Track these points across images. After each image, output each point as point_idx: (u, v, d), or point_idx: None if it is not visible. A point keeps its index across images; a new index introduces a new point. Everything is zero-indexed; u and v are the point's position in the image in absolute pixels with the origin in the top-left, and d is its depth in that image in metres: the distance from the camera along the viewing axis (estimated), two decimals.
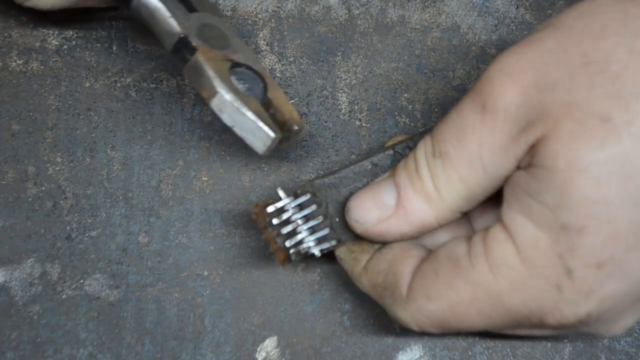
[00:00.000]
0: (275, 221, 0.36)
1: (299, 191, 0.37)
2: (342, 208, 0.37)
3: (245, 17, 0.46)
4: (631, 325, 0.34)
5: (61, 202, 0.44)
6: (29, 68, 0.45)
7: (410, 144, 0.37)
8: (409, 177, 0.34)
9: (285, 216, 0.36)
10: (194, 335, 0.42)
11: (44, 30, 0.46)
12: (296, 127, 0.38)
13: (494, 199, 0.35)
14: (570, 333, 0.34)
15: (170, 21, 0.37)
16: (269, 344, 0.42)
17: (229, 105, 0.36)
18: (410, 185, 0.34)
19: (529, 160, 0.31)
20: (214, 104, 0.36)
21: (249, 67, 0.38)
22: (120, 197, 0.44)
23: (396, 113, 0.45)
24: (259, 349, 0.42)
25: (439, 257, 0.34)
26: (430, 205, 0.34)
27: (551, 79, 0.31)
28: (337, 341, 0.42)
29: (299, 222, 0.37)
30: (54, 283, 0.43)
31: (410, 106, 0.45)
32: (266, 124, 0.36)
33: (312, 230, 0.37)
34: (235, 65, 0.38)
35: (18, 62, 0.45)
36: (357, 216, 0.35)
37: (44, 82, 0.45)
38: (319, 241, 0.37)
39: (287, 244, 0.36)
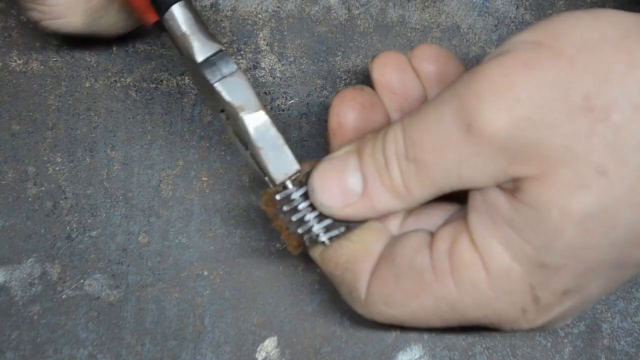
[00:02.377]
0: (285, 208, 0.36)
1: (303, 179, 0.36)
2: None
3: (245, 17, 0.46)
4: (569, 322, 0.37)
5: (61, 202, 0.44)
6: (29, 68, 0.45)
7: None
8: (378, 171, 0.33)
9: (294, 204, 0.36)
10: (194, 335, 0.42)
11: None
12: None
13: None
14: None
15: (210, 33, 0.37)
16: (269, 344, 0.42)
17: (267, 125, 0.36)
18: (379, 179, 0.33)
19: (512, 189, 0.31)
20: (251, 120, 0.36)
21: None
22: (120, 197, 0.44)
23: None
24: (259, 349, 0.42)
25: (398, 264, 0.34)
26: (397, 199, 0.33)
27: (549, 117, 0.29)
28: (337, 341, 0.42)
29: (306, 210, 0.36)
30: (54, 283, 0.43)
31: None
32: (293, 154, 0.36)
33: (319, 218, 0.36)
34: None
35: (18, 62, 0.45)
36: (323, 200, 0.35)
37: (44, 82, 0.45)
38: (327, 229, 0.36)
39: (300, 230, 0.36)
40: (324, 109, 0.45)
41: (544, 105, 0.30)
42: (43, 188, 0.44)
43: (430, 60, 0.38)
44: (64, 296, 0.43)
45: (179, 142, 0.45)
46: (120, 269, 0.43)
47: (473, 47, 0.46)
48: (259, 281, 0.43)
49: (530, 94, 0.30)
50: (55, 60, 0.46)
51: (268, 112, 0.36)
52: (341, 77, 0.46)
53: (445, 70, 0.38)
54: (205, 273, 0.43)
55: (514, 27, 0.47)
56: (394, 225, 0.37)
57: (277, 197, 0.36)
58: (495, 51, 0.32)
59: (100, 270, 0.43)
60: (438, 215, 0.36)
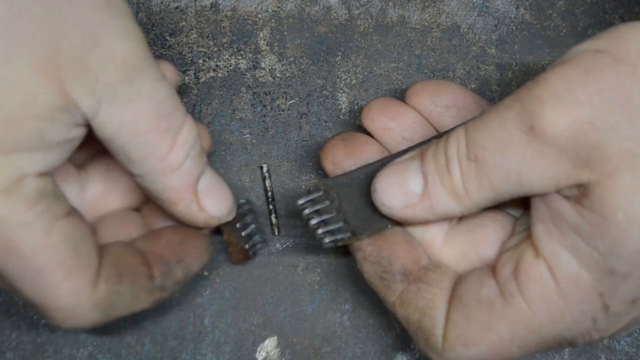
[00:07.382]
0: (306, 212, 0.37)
1: (311, 188, 0.37)
2: (356, 204, 0.37)
3: (245, 17, 0.46)
4: (632, 330, 0.36)
5: None
6: None
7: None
8: (438, 171, 0.34)
9: (307, 211, 0.37)
10: (194, 335, 0.42)
11: None
12: None
13: None
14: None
15: None
16: (269, 344, 0.42)
17: None
18: (439, 180, 0.34)
19: (577, 196, 0.31)
20: None
21: None
22: None
23: None
24: (259, 349, 0.42)
25: (466, 302, 0.34)
26: (456, 201, 0.34)
27: (610, 120, 0.30)
28: (337, 341, 0.42)
29: (312, 215, 0.37)
30: None
31: None
32: None
33: (325, 222, 0.37)
34: None
35: None
36: (384, 200, 0.36)
37: None
38: (333, 233, 0.37)
39: (320, 231, 0.37)
40: (324, 109, 0.45)
41: (605, 109, 0.30)
42: None
43: (424, 93, 0.41)
44: None
45: None
46: None
47: (473, 47, 0.46)
48: (259, 281, 0.43)
49: (591, 97, 0.30)
50: None
51: None
52: (341, 77, 0.46)
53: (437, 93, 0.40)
54: (205, 273, 0.43)
55: (514, 27, 0.47)
56: (437, 238, 0.37)
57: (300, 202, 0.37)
58: (556, 61, 0.32)
59: None
60: (492, 229, 0.37)
